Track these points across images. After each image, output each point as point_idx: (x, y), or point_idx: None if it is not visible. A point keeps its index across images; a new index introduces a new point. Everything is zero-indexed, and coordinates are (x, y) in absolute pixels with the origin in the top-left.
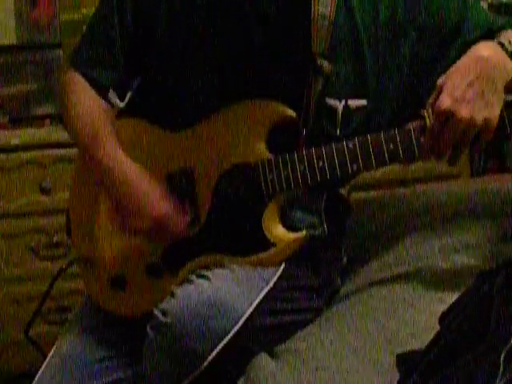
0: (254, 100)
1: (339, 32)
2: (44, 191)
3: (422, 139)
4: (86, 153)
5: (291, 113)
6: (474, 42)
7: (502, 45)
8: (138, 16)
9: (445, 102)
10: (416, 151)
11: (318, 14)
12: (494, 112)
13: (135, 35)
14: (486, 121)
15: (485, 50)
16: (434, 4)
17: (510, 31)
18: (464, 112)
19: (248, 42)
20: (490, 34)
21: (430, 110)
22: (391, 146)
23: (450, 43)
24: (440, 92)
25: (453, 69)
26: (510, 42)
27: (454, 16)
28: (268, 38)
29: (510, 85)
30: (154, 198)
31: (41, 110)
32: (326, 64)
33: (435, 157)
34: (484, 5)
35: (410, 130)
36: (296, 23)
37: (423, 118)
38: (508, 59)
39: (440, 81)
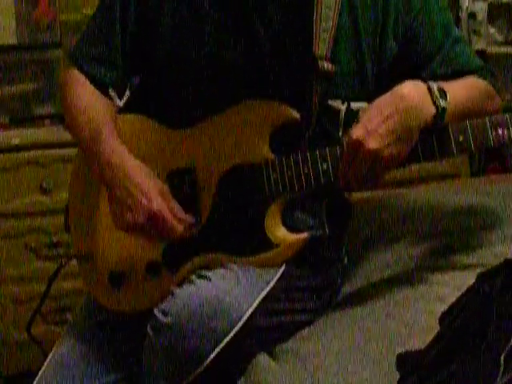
0: (258, 100)
1: (342, 36)
2: (44, 191)
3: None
4: (87, 147)
5: (295, 114)
6: (443, 76)
7: (429, 89)
8: (140, 16)
9: (357, 132)
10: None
11: (320, 18)
12: (403, 151)
13: (137, 35)
14: (391, 157)
15: (408, 89)
16: (417, 27)
17: (469, 79)
18: (372, 144)
19: (252, 44)
20: (461, 74)
21: (346, 139)
22: None
23: (421, 68)
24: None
25: (374, 102)
26: (440, 88)
27: (431, 44)
28: (271, 40)
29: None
30: (152, 193)
31: (41, 110)
32: (328, 66)
33: (343, 186)
34: (484, 5)
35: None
36: (299, 26)
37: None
38: (430, 104)
39: (361, 111)
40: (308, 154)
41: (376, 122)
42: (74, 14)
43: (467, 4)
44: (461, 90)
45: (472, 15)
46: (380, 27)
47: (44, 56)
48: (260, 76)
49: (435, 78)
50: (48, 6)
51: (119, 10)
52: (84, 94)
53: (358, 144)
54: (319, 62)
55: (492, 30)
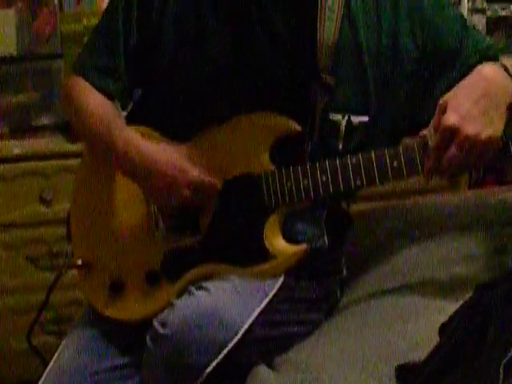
0: (260, 112)
1: (343, 50)
2: (44, 202)
3: (425, 158)
4: (101, 146)
5: (297, 127)
6: (475, 65)
7: (504, 67)
8: (143, 28)
9: (450, 118)
10: (420, 169)
11: (323, 31)
12: (497, 130)
13: (140, 46)
14: (491, 138)
15: (489, 71)
16: (434, 27)
17: (507, 57)
18: (469, 129)
19: (255, 57)
20: (488, 58)
21: (431, 130)
22: (395, 163)
23: (449, 65)
24: (443, 111)
25: (457, 88)
26: (511, 65)
27: (453, 39)
28: (275, 53)
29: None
30: (181, 165)
31: (42, 121)
32: (330, 80)
33: (439, 175)
34: (482, 18)
35: (414, 148)
36: (302, 40)
37: (423, 137)
38: (510, 81)
39: (443, 99)
40: (308, 166)
41: (467, 106)
42: (75, 25)
43: (466, 16)
44: None
45: None
46: (391, 35)
47: (44, 67)
48: (262, 88)
49: (468, 69)
50: (48, 17)
51: (122, 20)
52: (91, 99)
53: (454, 130)
54: (322, 74)
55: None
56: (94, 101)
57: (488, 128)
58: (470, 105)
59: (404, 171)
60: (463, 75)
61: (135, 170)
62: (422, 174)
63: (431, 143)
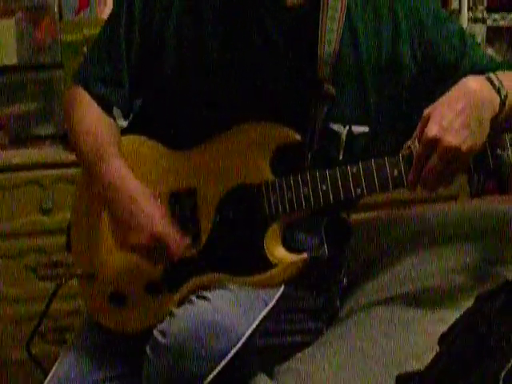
0: (260, 122)
1: (344, 60)
2: (44, 211)
3: (395, 173)
4: (90, 167)
5: (297, 136)
6: None
7: (490, 80)
8: (145, 37)
9: (432, 129)
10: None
11: (324, 41)
12: (478, 143)
13: (142, 54)
14: (471, 150)
15: (473, 83)
16: (433, 42)
17: (505, 72)
18: (450, 139)
19: (255, 67)
20: (487, 73)
21: (415, 141)
22: (395, 171)
23: (448, 78)
24: (426, 121)
25: (441, 99)
26: (497, 78)
27: (453, 53)
28: (275, 64)
29: (495, 122)
30: (155, 215)
31: (42, 130)
32: (331, 89)
33: (421, 186)
34: (482, 28)
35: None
36: (303, 50)
37: (408, 148)
38: (495, 94)
39: (426, 111)
40: (308, 176)
41: (450, 117)
42: (75, 35)
43: (466, 26)
44: (507, 78)
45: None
46: (391, 48)
47: (45, 76)
48: (263, 97)
49: None
50: (49, 27)
51: (124, 29)
52: (88, 114)
53: (435, 141)
54: (323, 84)
55: (490, 51)
56: (90, 118)
57: (468, 140)
58: (452, 116)
59: (404, 180)
60: None
61: (114, 201)
62: (406, 185)
63: (414, 153)
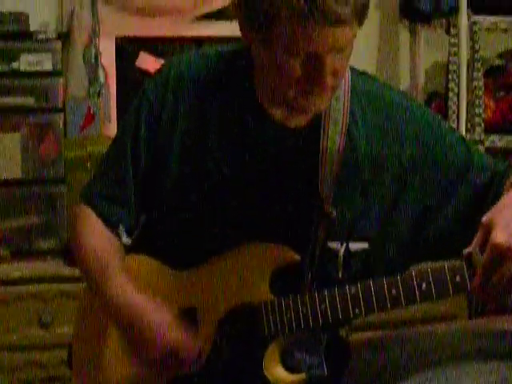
0: (259, 243)
1: (346, 177)
2: (43, 325)
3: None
4: (96, 286)
5: (296, 257)
6: (484, 184)
7: None
8: (151, 150)
9: (500, 236)
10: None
11: (325, 161)
12: None
13: (147, 175)
14: None
15: None
16: (439, 151)
17: None
18: None
19: (258, 187)
20: (495, 176)
21: (476, 249)
22: (393, 291)
23: (455, 188)
24: (489, 229)
25: (500, 205)
26: None
27: (459, 161)
28: (277, 184)
29: None
30: (165, 328)
31: (43, 244)
32: (332, 210)
33: (484, 297)
34: (481, 149)
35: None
36: (305, 169)
37: (462, 258)
38: None
39: (485, 218)
40: (307, 296)
41: None
42: (78, 151)
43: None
44: None
45: None
46: (396, 168)
47: (48, 191)
48: (264, 217)
49: (476, 188)
50: (53, 142)
51: (131, 150)
52: (94, 233)
53: (505, 248)
54: (325, 204)
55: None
56: (95, 237)
57: None
58: None
59: (402, 300)
60: (477, 193)
61: (123, 318)
62: (473, 295)
63: (477, 263)
